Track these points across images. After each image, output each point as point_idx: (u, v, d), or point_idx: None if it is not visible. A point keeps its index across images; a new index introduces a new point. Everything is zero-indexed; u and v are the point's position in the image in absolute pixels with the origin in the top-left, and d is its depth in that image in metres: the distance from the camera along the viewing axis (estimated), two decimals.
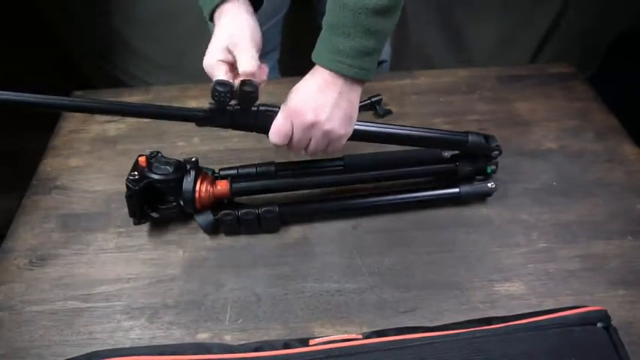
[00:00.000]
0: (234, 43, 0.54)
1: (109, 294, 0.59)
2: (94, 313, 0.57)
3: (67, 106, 0.58)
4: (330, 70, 0.53)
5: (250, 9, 0.58)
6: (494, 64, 0.96)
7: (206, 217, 0.64)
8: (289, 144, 0.56)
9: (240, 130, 0.58)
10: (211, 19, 0.58)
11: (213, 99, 0.53)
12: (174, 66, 1.43)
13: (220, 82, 0.53)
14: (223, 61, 0.55)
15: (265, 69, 0.58)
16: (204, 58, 0.56)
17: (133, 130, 0.80)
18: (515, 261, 0.62)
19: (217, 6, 0.56)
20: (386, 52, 1.14)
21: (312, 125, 0.54)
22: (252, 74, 0.53)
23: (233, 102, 0.55)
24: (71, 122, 0.82)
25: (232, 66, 0.55)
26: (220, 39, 0.55)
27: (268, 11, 1.00)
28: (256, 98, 0.54)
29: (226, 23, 0.56)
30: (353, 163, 0.67)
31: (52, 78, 1.15)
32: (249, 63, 0.53)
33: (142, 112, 0.58)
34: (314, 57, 0.54)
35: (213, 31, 0.57)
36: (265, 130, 0.55)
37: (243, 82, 0.53)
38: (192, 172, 0.62)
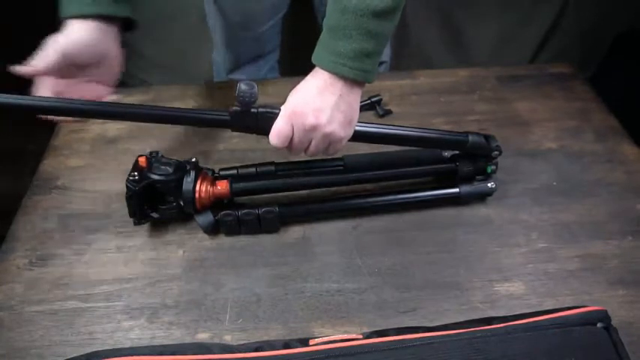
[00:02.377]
0: (45, 48, 0.55)
1: (109, 294, 0.59)
2: (94, 313, 0.57)
3: (78, 111, 0.56)
4: (330, 72, 0.53)
5: (105, 29, 0.57)
6: (494, 63, 0.96)
7: (206, 218, 0.64)
8: (289, 146, 0.56)
9: (241, 131, 0.58)
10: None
11: (238, 101, 0.54)
12: (175, 66, 1.44)
13: (245, 83, 0.53)
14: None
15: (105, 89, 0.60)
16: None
17: (133, 130, 0.80)
18: (515, 261, 0.62)
19: (68, 17, 0.56)
20: (386, 53, 1.14)
21: (313, 128, 0.54)
22: (28, 73, 0.54)
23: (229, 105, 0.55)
24: (71, 122, 0.82)
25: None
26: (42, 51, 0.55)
27: (268, 11, 1.00)
28: (255, 99, 0.54)
29: (62, 33, 0.56)
30: (353, 163, 0.67)
31: None
32: (38, 60, 0.54)
33: (157, 117, 0.58)
34: (314, 59, 0.54)
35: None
36: (265, 132, 0.55)
37: (240, 83, 0.53)
38: (192, 173, 0.62)
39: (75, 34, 0.55)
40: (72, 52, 0.55)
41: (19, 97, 0.52)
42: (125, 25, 0.61)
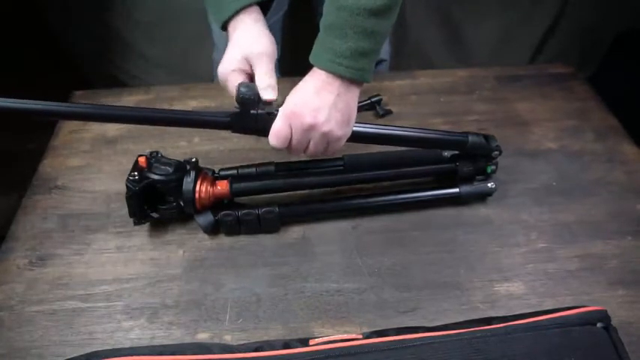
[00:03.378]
0: (251, 55, 0.55)
1: (109, 294, 0.59)
2: (94, 313, 0.57)
3: (76, 114, 0.57)
4: (327, 71, 0.53)
5: (262, 17, 0.59)
6: (494, 63, 0.96)
7: (206, 218, 0.64)
8: (289, 146, 0.56)
9: (240, 133, 0.58)
10: (224, 27, 0.59)
11: (238, 103, 0.54)
12: (175, 66, 1.44)
13: (245, 85, 0.53)
14: (241, 70, 0.56)
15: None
16: (219, 66, 0.57)
17: (133, 130, 0.80)
18: (515, 261, 0.62)
19: (232, 17, 0.56)
20: (385, 52, 1.14)
21: (311, 127, 0.54)
22: (272, 88, 0.54)
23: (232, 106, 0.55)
24: (71, 122, 0.82)
25: (248, 76, 0.56)
26: (238, 49, 0.56)
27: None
28: (256, 101, 0.54)
29: (243, 33, 0.56)
30: (353, 163, 0.67)
31: (52, 78, 1.15)
32: (268, 77, 0.54)
33: (158, 120, 0.58)
34: (311, 59, 0.54)
35: (218, 35, 0.58)
36: (265, 133, 0.55)
37: (240, 85, 0.53)
38: (192, 173, 0.62)
39: (260, 30, 0.56)
40: (270, 49, 0.56)
41: (20, 101, 0.52)
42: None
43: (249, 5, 0.57)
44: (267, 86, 0.54)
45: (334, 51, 0.52)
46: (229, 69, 0.56)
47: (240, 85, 0.53)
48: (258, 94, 0.54)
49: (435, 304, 0.58)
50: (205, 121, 0.57)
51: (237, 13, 0.56)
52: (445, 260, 0.63)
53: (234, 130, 0.57)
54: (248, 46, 0.55)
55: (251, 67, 0.56)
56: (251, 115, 0.55)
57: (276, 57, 0.58)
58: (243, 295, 0.59)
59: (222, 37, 1.02)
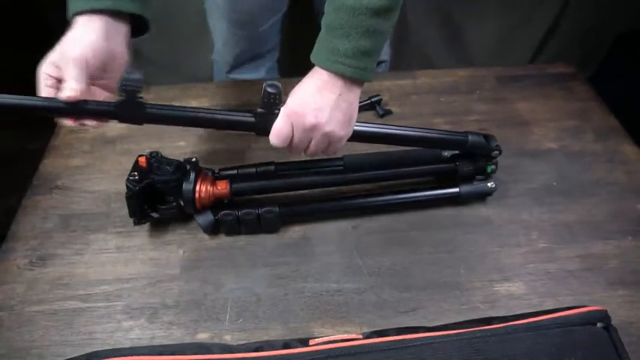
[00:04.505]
0: (61, 61, 0.52)
1: (109, 294, 0.59)
2: (94, 313, 0.57)
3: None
4: (329, 70, 0.53)
5: (113, 28, 0.54)
6: (494, 64, 0.96)
7: (206, 217, 0.64)
8: (289, 145, 0.56)
9: (261, 134, 0.58)
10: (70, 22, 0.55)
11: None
12: (174, 66, 1.44)
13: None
14: (49, 75, 0.52)
15: (103, 93, 0.56)
16: (39, 65, 0.53)
17: (133, 130, 0.80)
18: (515, 261, 0.62)
19: (75, 15, 0.53)
20: (386, 52, 1.14)
21: (313, 127, 0.54)
22: (74, 98, 0.51)
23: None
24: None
25: (56, 80, 0.53)
26: (53, 52, 0.53)
27: (268, 11, 1.00)
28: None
29: (68, 36, 0.53)
30: (353, 163, 0.67)
31: None
32: (72, 81, 0.51)
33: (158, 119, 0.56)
34: (313, 58, 0.54)
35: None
36: (265, 132, 0.55)
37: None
38: (193, 173, 0.62)
39: (85, 36, 0.52)
40: (88, 56, 0.52)
41: (20, 97, 0.52)
42: (136, 27, 0.58)
43: (92, 12, 0.53)
44: (65, 88, 0.51)
45: (336, 50, 0.52)
46: (40, 71, 0.53)
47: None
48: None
49: (435, 304, 0.58)
50: (230, 121, 0.56)
51: (78, 14, 0.53)
52: (445, 260, 0.63)
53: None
54: (61, 51, 0.52)
55: (62, 71, 0.52)
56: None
57: (109, 66, 0.55)
58: (243, 295, 0.59)
59: (221, 38, 1.03)
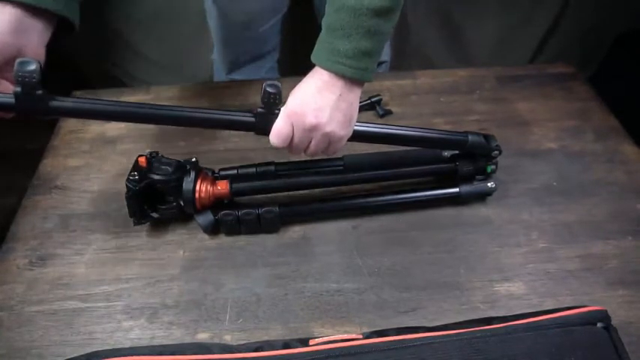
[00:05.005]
0: None
1: (109, 294, 0.59)
2: (94, 313, 0.57)
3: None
4: (330, 71, 0.53)
5: (25, 22, 0.51)
6: (494, 63, 0.96)
7: (206, 217, 0.64)
8: (289, 146, 0.56)
9: (260, 134, 0.58)
10: None
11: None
12: (174, 66, 1.44)
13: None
14: None
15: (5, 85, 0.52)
16: None
17: (132, 130, 0.80)
18: (515, 261, 0.62)
19: None
20: (386, 53, 1.14)
21: (313, 127, 0.54)
22: None
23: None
24: (71, 122, 0.82)
25: None
26: None
27: (268, 11, 1.00)
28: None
29: None
30: (353, 163, 0.67)
31: (52, 78, 1.14)
32: None
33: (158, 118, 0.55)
34: (313, 58, 0.54)
35: None
36: (265, 132, 0.55)
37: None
38: (192, 173, 0.62)
39: None
40: None
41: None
42: (61, 27, 0.54)
43: (3, 2, 0.49)
44: None
45: (337, 51, 0.52)
46: None
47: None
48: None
49: (435, 304, 0.58)
50: (229, 121, 0.56)
51: None
52: (445, 260, 0.63)
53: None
54: None
55: None
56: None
57: (11, 58, 0.50)
58: (243, 295, 0.59)
59: (221, 38, 1.03)
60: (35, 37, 0.52)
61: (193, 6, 1.22)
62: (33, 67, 0.48)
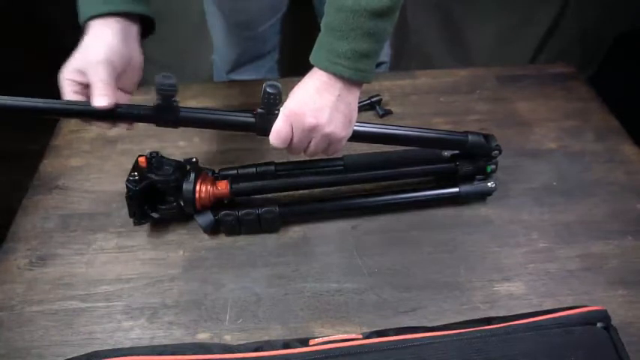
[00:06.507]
0: (86, 66, 0.52)
1: (109, 294, 0.59)
2: (94, 313, 0.57)
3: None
4: (329, 72, 0.53)
5: (128, 30, 0.55)
6: (494, 64, 0.96)
7: (206, 217, 0.64)
8: (289, 146, 0.56)
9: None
10: (84, 26, 0.56)
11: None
12: (174, 66, 1.44)
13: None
14: (74, 81, 0.53)
15: (125, 96, 0.57)
16: (60, 72, 0.54)
17: (132, 130, 0.80)
18: (515, 261, 0.62)
19: (88, 19, 0.54)
20: (386, 53, 1.14)
21: (313, 128, 0.54)
22: (110, 104, 0.52)
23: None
24: (71, 122, 0.82)
25: (82, 85, 0.53)
26: (75, 58, 0.53)
27: (267, 11, 1.00)
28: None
29: (87, 41, 0.54)
30: (353, 163, 0.67)
31: (51, 78, 1.14)
32: (100, 85, 0.51)
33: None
34: (312, 59, 0.54)
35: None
36: (265, 132, 0.55)
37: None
38: (192, 173, 0.62)
39: (106, 40, 0.53)
40: (113, 59, 0.53)
41: (17, 98, 0.51)
42: (143, 28, 0.59)
43: (106, 15, 0.54)
44: (97, 95, 0.51)
45: (335, 52, 0.51)
46: (62, 78, 0.53)
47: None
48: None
49: (435, 304, 0.58)
50: (124, 115, 0.55)
51: (92, 18, 0.54)
52: (445, 260, 0.63)
53: (158, 124, 0.56)
54: (84, 57, 0.53)
55: (88, 79, 0.53)
56: (173, 107, 0.54)
57: (130, 67, 0.56)
58: (243, 295, 0.59)
59: (221, 38, 1.03)
60: (136, 43, 0.57)
61: (193, 6, 1.22)
62: (172, 80, 0.52)
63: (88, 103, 0.52)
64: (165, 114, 0.54)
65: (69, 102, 0.53)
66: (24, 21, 1.36)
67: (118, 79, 0.54)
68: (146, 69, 0.59)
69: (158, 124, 0.56)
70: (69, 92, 0.53)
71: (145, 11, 0.57)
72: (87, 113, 0.53)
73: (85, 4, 0.55)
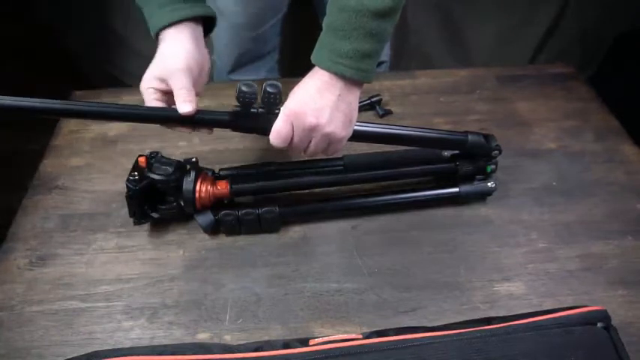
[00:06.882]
0: (166, 74, 0.55)
1: (109, 294, 0.59)
2: (94, 313, 0.57)
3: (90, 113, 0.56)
4: (330, 71, 0.53)
5: (197, 33, 0.58)
6: (494, 64, 0.96)
7: (206, 217, 0.64)
8: (289, 146, 0.56)
9: (240, 132, 0.58)
10: (157, 36, 0.58)
11: (238, 101, 0.54)
12: None
13: (246, 84, 0.53)
14: (156, 89, 0.56)
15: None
16: (142, 81, 0.57)
17: (132, 130, 0.81)
18: (515, 261, 0.62)
19: (161, 29, 0.56)
20: (386, 53, 1.14)
21: (313, 128, 0.54)
22: (188, 102, 0.54)
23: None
24: (71, 122, 0.83)
25: (163, 93, 0.56)
26: (154, 67, 0.56)
27: (267, 12, 1.00)
28: (280, 100, 0.54)
29: (163, 49, 0.56)
30: (353, 163, 0.67)
31: (51, 78, 1.15)
32: (183, 92, 0.54)
33: (157, 118, 0.57)
34: (313, 58, 0.54)
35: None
36: (265, 132, 0.55)
37: (240, 84, 0.53)
38: (192, 173, 0.62)
39: (183, 47, 0.55)
40: (191, 65, 0.55)
41: (17, 98, 0.52)
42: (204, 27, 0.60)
43: (180, 21, 0.56)
44: (182, 101, 0.53)
45: (337, 52, 0.52)
46: (144, 86, 0.56)
47: (240, 84, 0.53)
48: (256, 93, 0.54)
49: (435, 304, 0.58)
50: (205, 120, 0.57)
51: (166, 27, 0.56)
52: (445, 260, 0.63)
53: (235, 129, 0.58)
54: (163, 65, 0.55)
55: (168, 86, 0.55)
56: (251, 113, 0.55)
57: (199, 72, 0.58)
58: (243, 295, 0.59)
59: (222, 39, 1.03)
60: (204, 46, 0.59)
61: None
62: (253, 89, 0.53)
63: (167, 109, 0.55)
64: (244, 121, 0.56)
65: (152, 108, 0.56)
66: (28, 23, 1.36)
67: (194, 83, 0.56)
68: (146, 69, 0.59)
69: (234, 130, 0.58)
70: (150, 100, 0.56)
71: (209, 12, 0.59)
72: (173, 119, 0.55)
73: (155, 15, 0.57)
